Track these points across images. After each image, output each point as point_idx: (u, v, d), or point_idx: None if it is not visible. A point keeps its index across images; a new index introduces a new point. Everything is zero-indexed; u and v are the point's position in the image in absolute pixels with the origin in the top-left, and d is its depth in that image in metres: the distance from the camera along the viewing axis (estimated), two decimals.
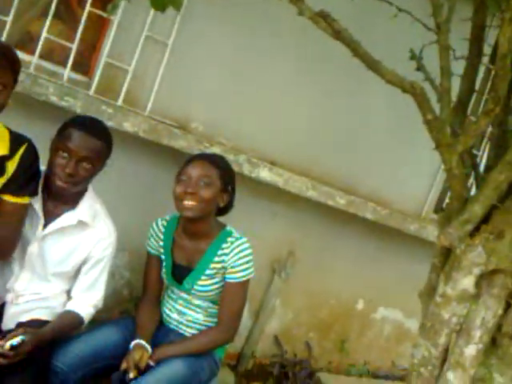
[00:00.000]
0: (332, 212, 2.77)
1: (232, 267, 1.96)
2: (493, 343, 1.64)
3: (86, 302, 1.89)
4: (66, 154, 1.75)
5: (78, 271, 1.91)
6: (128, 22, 2.19)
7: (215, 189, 1.93)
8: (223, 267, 1.97)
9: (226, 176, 1.99)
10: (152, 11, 2.20)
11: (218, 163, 1.98)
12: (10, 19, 2.03)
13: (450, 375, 1.62)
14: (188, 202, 1.88)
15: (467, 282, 1.62)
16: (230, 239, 1.99)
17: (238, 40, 2.41)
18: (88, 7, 2.12)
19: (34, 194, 1.78)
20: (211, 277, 1.99)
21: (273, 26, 2.41)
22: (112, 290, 2.20)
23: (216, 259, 1.98)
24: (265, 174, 2.50)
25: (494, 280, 1.61)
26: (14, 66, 1.62)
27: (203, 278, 2.00)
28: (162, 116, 2.33)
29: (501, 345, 1.63)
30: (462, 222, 1.62)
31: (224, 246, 1.98)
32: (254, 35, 2.43)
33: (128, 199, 2.35)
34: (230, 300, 1.98)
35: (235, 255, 1.96)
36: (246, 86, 2.49)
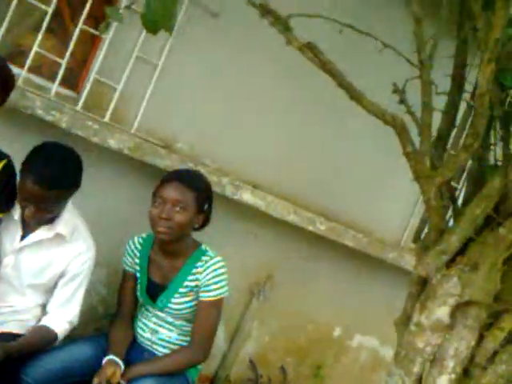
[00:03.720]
0: (312, 237, 2.79)
1: (206, 286, 1.97)
2: (465, 374, 1.66)
3: (62, 317, 1.87)
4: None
5: (54, 285, 1.89)
6: (119, 41, 2.22)
7: (190, 213, 1.93)
8: (197, 286, 1.98)
9: (202, 197, 1.99)
10: (143, 32, 2.23)
11: (195, 185, 1.97)
12: (1, 31, 2.04)
13: None
14: (162, 227, 1.89)
15: (442, 312, 1.65)
16: (204, 258, 2.00)
17: (227, 64, 2.45)
18: (80, 24, 2.14)
19: (7, 210, 1.78)
20: (185, 295, 2.00)
21: (262, 51, 2.46)
22: (87, 307, 2.17)
23: (190, 277, 1.99)
24: (247, 196, 2.52)
25: (468, 311, 1.64)
26: (7, 85, 1.62)
27: (177, 295, 2.00)
28: (148, 135, 2.34)
29: (473, 376, 1.65)
30: (439, 252, 1.66)
31: (198, 264, 1.99)
32: (242, 59, 2.47)
33: (108, 215, 2.34)
34: (204, 319, 1.98)
35: (209, 274, 1.97)
36: (233, 109, 2.52)
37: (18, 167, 1.77)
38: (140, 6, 1.49)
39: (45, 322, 1.86)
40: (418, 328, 1.68)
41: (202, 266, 1.98)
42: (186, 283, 1.99)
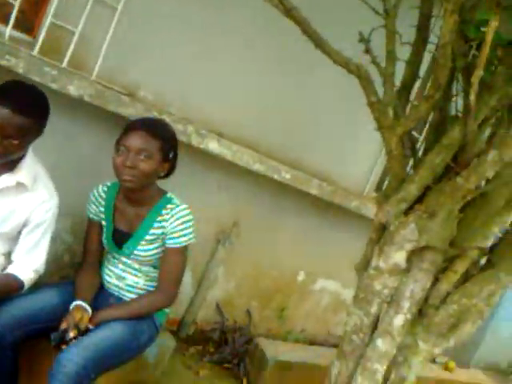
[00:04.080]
0: (278, 186, 2.83)
1: (171, 233, 1.99)
2: (419, 314, 1.76)
3: (28, 266, 1.87)
4: None
5: (18, 234, 1.87)
6: None
7: (155, 161, 1.92)
8: (163, 233, 2.00)
9: (167, 146, 1.98)
10: None
11: (159, 133, 1.95)
12: None
13: (379, 342, 1.74)
14: (127, 175, 1.88)
15: (399, 257, 1.72)
16: (169, 206, 2.01)
17: (190, 9, 2.36)
18: None
19: None
20: (151, 242, 2.02)
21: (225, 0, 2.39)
22: (53, 255, 2.17)
23: (156, 225, 2.00)
24: (213, 145, 2.51)
25: (424, 256, 1.72)
26: None
27: (143, 243, 2.02)
28: (110, 82, 2.27)
29: (426, 315, 1.75)
30: (399, 200, 1.71)
31: (164, 212, 2.00)
32: (205, 6, 2.39)
33: (72, 163, 2.29)
34: (170, 265, 2.01)
35: (174, 221, 1.99)
36: (197, 56, 2.46)
37: None
38: None
39: (10, 270, 1.85)
40: (376, 271, 1.76)
41: (167, 214, 1.99)
42: (152, 231, 2.01)
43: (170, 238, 1.99)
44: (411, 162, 1.86)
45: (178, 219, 1.99)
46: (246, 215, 2.86)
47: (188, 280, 2.83)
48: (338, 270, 3.28)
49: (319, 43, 1.56)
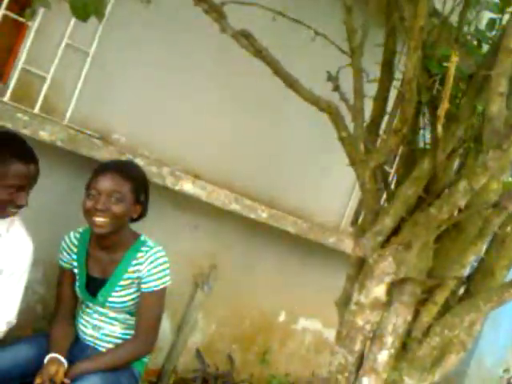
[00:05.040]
0: (254, 225, 2.82)
1: (147, 276, 1.94)
2: (403, 348, 1.74)
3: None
4: None
5: None
6: (47, 28, 2.12)
7: (127, 203, 1.91)
8: (138, 277, 1.95)
9: (139, 187, 1.97)
10: (72, 19, 2.14)
11: (130, 175, 1.95)
12: None
13: (365, 381, 1.71)
14: (98, 219, 1.85)
15: (379, 291, 1.72)
16: (144, 248, 1.98)
17: (161, 51, 2.41)
18: (3, 10, 2.04)
19: None
20: (126, 288, 1.97)
21: (197, 39, 2.43)
22: (25, 306, 2.09)
23: (130, 269, 1.96)
24: (188, 186, 2.50)
25: (403, 288, 1.72)
26: None
27: (118, 289, 1.97)
28: (83, 126, 2.27)
29: (410, 349, 1.74)
30: (375, 233, 1.73)
31: (138, 255, 1.97)
32: (177, 47, 2.43)
33: (44, 211, 2.25)
34: (147, 310, 1.95)
35: (150, 264, 1.95)
36: (170, 97, 2.48)
37: None
38: None
39: None
40: (357, 307, 1.75)
41: (142, 257, 1.96)
42: (127, 275, 1.96)
43: (146, 282, 1.95)
44: (385, 196, 1.88)
45: (152, 262, 1.95)
46: (223, 256, 2.83)
47: (167, 326, 2.75)
48: (318, 308, 3.25)
49: (290, 83, 1.60)
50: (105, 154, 2.23)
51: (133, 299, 1.98)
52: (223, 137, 2.67)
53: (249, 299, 3.02)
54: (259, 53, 1.51)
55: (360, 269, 1.81)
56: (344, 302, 1.84)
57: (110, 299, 1.97)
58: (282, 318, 3.21)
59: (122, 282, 1.97)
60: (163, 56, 2.42)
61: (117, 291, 1.97)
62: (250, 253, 2.94)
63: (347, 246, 2.97)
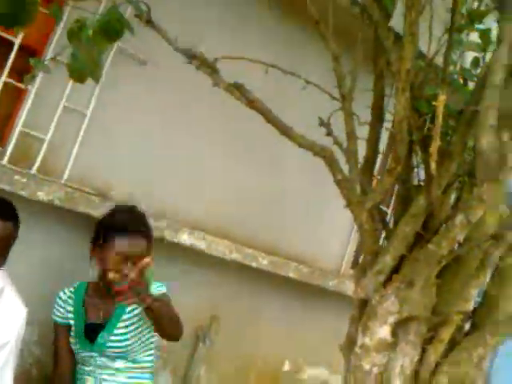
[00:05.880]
0: (256, 274, 2.81)
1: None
2: None
3: None
4: None
5: None
6: (45, 92, 2.19)
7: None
8: (139, 313, 1.94)
9: (151, 241, 2.04)
10: (70, 82, 2.21)
11: (144, 231, 2.02)
12: None
13: None
14: (123, 285, 1.83)
15: (383, 331, 1.70)
16: None
17: (158, 109, 2.48)
18: (4, 78, 2.10)
19: None
20: (126, 325, 1.96)
21: (192, 95, 2.51)
22: (21, 370, 2.04)
23: (129, 307, 1.96)
24: (186, 238, 2.51)
25: (408, 327, 1.70)
26: None
27: (119, 326, 1.96)
28: (82, 185, 2.29)
29: None
30: (375, 273, 1.73)
31: None
32: (174, 104, 2.51)
33: (41, 272, 2.24)
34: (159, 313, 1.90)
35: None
36: (165, 152, 2.53)
37: None
38: (65, 57, 1.49)
39: None
40: (362, 350, 1.72)
41: None
42: (128, 309, 1.96)
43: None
44: (383, 235, 1.90)
45: (152, 285, 1.95)
46: (224, 307, 2.80)
47: (168, 381, 2.69)
48: (323, 354, 3.19)
49: (283, 130, 1.65)
50: (102, 211, 2.24)
51: (132, 341, 1.96)
52: (220, 187, 2.71)
53: (252, 349, 2.96)
54: (252, 103, 1.57)
55: (363, 310, 1.79)
56: (349, 346, 1.82)
57: (111, 339, 1.95)
58: (286, 367, 3.14)
59: (124, 317, 1.97)
60: (159, 113, 2.48)
61: (117, 329, 1.96)
62: (252, 302, 2.91)
63: (349, 288, 2.96)
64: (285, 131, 1.65)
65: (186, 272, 2.67)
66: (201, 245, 2.56)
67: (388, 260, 1.72)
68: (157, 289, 1.98)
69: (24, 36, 2.12)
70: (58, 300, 2.05)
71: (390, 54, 1.54)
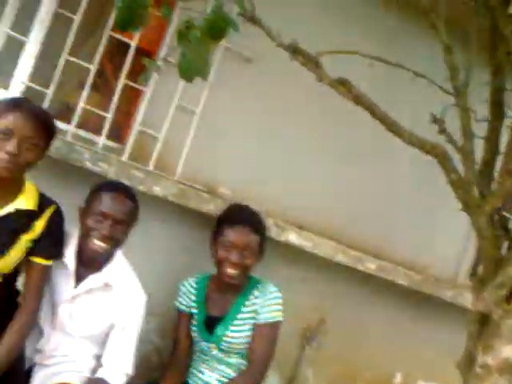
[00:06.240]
0: (364, 277, 2.71)
1: (261, 307, 2.02)
2: None
3: (117, 369, 1.85)
4: (100, 218, 1.80)
5: (106, 337, 1.89)
6: (159, 92, 2.31)
7: (256, 256, 2.05)
8: (253, 310, 2.02)
9: (264, 239, 2.11)
10: (181, 82, 2.31)
11: (259, 229, 2.08)
12: (50, 91, 2.17)
13: None
14: (232, 271, 1.98)
15: (508, 351, 1.53)
16: (259, 285, 2.08)
17: (263, 106, 2.50)
18: (123, 79, 2.25)
19: (60, 256, 1.83)
20: (242, 323, 2.02)
21: (297, 91, 2.49)
22: (141, 357, 2.16)
23: (247, 303, 2.04)
24: (293, 237, 2.50)
25: None
26: (48, 131, 1.71)
27: (235, 322, 2.02)
28: (192, 181, 2.39)
29: None
30: (497, 285, 1.57)
31: (254, 291, 2.06)
32: (278, 101, 2.51)
33: (156, 263, 2.36)
34: (259, 343, 2.01)
35: (265, 296, 2.04)
36: (273, 150, 2.54)
37: (66, 215, 1.83)
38: (176, 57, 1.55)
39: (101, 374, 1.84)
40: (483, 370, 1.57)
41: (258, 292, 2.05)
42: (244, 309, 2.04)
43: (260, 313, 2.01)
44: (505, 243, 1.71)
45: (268, 294, 2.04)
46: (332, 310, 2.74)
47: (276, 381, 2.68)
48: (438, 368, 2.96)
49: (391, 126, 1.55)
50: (211, 207, 2.32)
51: (248, 336, 2.02)
52: (328, 186, 2.65)
53: (361, 356, 2.86)
54: (357, 98, 1.49)
55: (483, 325, 1.64)
56: (467, 364, 1.67)
57: (227, 333, 2.02)
58: (397, 379, 2.98)
59: (239, 316, 2.03)
60: (265, 111, 2.50)
61: (234, 325, 2.02)
62: (360, 306, 2.81)
63: (466, 299, 2.73)
64: (393, 128, 1.55)
65: (292, 271, 2.65)
66: (307, 245, 2.52)
67: (511, 272, 1.54)
68: (272, 296, 2.04)
69: (139, 39, 2.25)
70: (182, 289, 2.15)
71: (510, 43, 1.37)
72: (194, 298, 2.11)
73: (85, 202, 1.88)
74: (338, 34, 2.46)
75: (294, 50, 1.47)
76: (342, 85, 1.48)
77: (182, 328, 2.11)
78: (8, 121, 1.61)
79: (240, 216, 2.10)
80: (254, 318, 2.02)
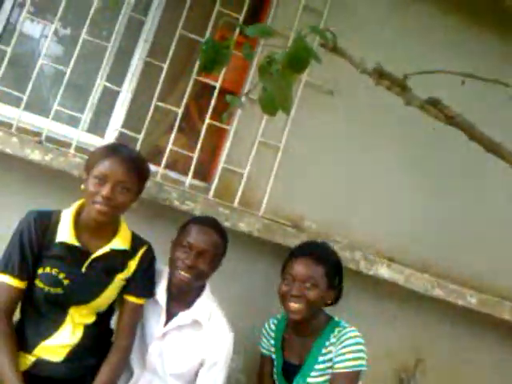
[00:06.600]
0: (463, 313, 2.52)
1: (338, 355, 1.84)
2: None
3: None
4: (186, 249, 1.83)
5: (196, 374, 1.88)
6: (242, 130, 2.36)
7: (321, 289, 1.89)
8: (331, 359, 1.86)
9: (332, 271, 1.94)
10: (264, 119, 2.34)
11: (323, 259, 1.93)
12: (141, 136, 2.28)
13: None
14: (294, 305, 1.87)
15: None
16: (337, 329, 1.90)
17: (347, 136, 2.46)
18: (207, 120, 2.32)
19: (151, 295, 1.86)
20: (321, 373, 1.88)
21: (380, 118, 2.44)
22: None
23: (324, 351, 1.89)
24: (383, 271, 2.38)
25: None
26: (142, 175, 1.79)
27: (313, 374, 1.89)
28: (276, 216, 2.38)
29: None
30: None
31: (331, 336, 1.89)
32: (362, 130, 2.47)
33: (243, 299, 2.35)
34: None
35: (342, 343, 1.85)
36: (358, 182, 2.48)
37: (157, 253, 1.88)
38: (259, 94, 1.57)
39: None
40: None
41: (334, 337, 1.89)
42: (321, 358, 1.89)
43: (337, 362, 1.84)
44: None
45: (344, 341, 1.85)
46: (429, 349, 2.56)
47: None
48: None
49: (491, 147, 1.45)
50: (297, 242, 2.27)
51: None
52: (417, 215, 2.54)
53: None
54: (451, 119, 1.41)
55: None
56: None
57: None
58: None
59: (316, 366, 1.90)
60: (349, 141, 2.47)
61: (312, 377, 1.89)
62: (459, 344, 2.61)
63: None
64: (492, 149, 1.44)
65: (382, 307, 2.52)
66: (399, 278, 2.40)
67: None
68: (350, 342, 1.86)
69: (223, 80, 2.32)
70: (263, 331, 2.09)
71: None
72: (272, 341, 2.04)
73: (176, 235, 1.92)
74: (422, 56, 2.41)
75: (380, 74, 1.43)
76: (434, 106, 1.42)
77: (265, 372, 2.05)
78: (104, 166, 1.70)
79: (302, 248, 2.01)
80: (330, 368, 1.86)
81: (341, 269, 2.00)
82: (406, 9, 2.53)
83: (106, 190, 1.66)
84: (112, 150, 1.75)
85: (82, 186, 1.74)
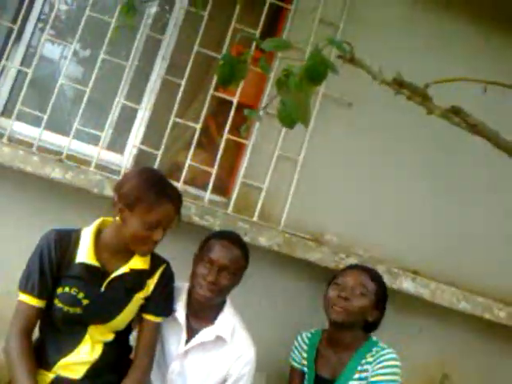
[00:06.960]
0: (490, 327, 2.45)
1: (373, 376, 1.81)
2: None
3: None
4: (207, 265, 1.82)
5: None
6: (261, 144, 2.35)
7: (368, 301, 1.92)
8: (366, 377, 1.83)
9: (381, 293, 1.97)
10: (282, 132, 2.33)
11: (377, 279, 1.98)
12: (160, 152, 2.29)
13: None
14: (339, 307, 1.88)
15: None
16: (375, 349, 1.89)
17: (366, 149, 2.44)
18: (226, 135, 2.32)
19: (170, 314, 1.85)
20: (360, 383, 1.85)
21: (400, 129, 2.42)
22: None
23: (359, 368, 1.86)
24: (408, 284, 2.34)
25: None
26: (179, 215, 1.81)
27: None
28: (296, 230, 2.35)
29: None
30: None
31: (368, 355, 1.87)
32: (381, 142, 2.44)
33: (264, 314, 2.32)
34: None
35: (378, 363, 1.83)
36: (379, 194, 2.45)
37: (175, 271, 1.86)
38: (277, 108, 1.56)
39: None
40: None
41: (371, 357, 1.87)
42: (356, 375, 1.86)
43: (373, 382, 1.81)
44: None
45: (382, 361, 1.83)
46: (455, 364, 2.49)
47: None
48: None
49: None
50: (318, 255, 2.25)
51: None
52: (441, 227, 2.49)
53: None
54: (474, 128, 1.38)
55: None
56: None
57: None
58: None
59: (350, 383, 1.86)
60: (368, 153, 2.44)
61: None
62: (487, 359, 2.53)
63: None
64: None
65: (407, 322, 2.47)
66: (424, 292, 2.35)
67: None
68: (386, 364, 1.83)
69: (240, 95, 2.33)
70: (295, 343, 2.08)
71: None
72: (305, 354, 2.02)
73: (197, 249, 1.91)
74: (441, 64, 2.39)
75: (400, 84, 1.41)
76: (456, 114, 1.39)
77: None
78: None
79: (357, 265, 2.07)
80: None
81: (387, 297, 2.01)
82: (423, 18, 2.51)
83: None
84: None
85: (117, 218, 1.71)
